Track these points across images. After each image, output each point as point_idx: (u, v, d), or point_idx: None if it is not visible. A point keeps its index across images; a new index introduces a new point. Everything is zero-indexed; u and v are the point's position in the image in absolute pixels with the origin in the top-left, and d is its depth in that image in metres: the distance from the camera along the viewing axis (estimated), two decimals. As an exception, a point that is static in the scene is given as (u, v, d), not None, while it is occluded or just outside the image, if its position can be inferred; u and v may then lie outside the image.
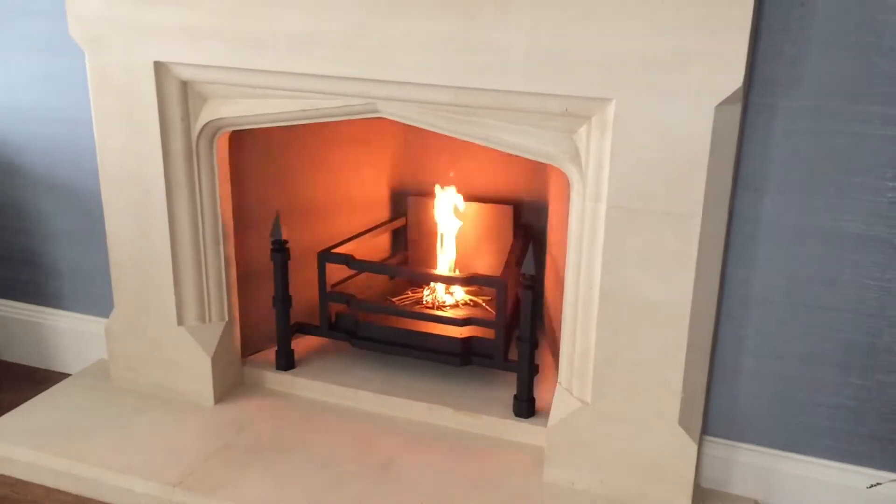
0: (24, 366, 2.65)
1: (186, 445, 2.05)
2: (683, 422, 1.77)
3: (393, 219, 2.71)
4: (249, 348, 2.40)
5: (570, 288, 1.82)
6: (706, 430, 1.88)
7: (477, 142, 1.85)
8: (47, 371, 2.62)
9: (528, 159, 1.81)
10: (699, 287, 1.67)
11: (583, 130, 1.70)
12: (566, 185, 1.82)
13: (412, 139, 2.66)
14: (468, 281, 2.18)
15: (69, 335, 2.57)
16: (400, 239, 2.78)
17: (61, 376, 2.50)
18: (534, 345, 2.05)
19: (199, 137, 2.05)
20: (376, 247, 2.72)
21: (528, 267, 1.99)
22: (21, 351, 2.65)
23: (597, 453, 1.85)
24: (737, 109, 1.58)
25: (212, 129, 2.05)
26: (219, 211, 2.15)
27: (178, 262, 2.14)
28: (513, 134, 1.78)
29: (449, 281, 2.37)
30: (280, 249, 2.24)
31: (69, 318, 2.56)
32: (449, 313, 2.42)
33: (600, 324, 1.77)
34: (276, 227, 2.21)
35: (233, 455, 2.01)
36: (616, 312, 1.74)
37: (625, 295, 1.72)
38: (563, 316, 1.87)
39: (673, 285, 1.67)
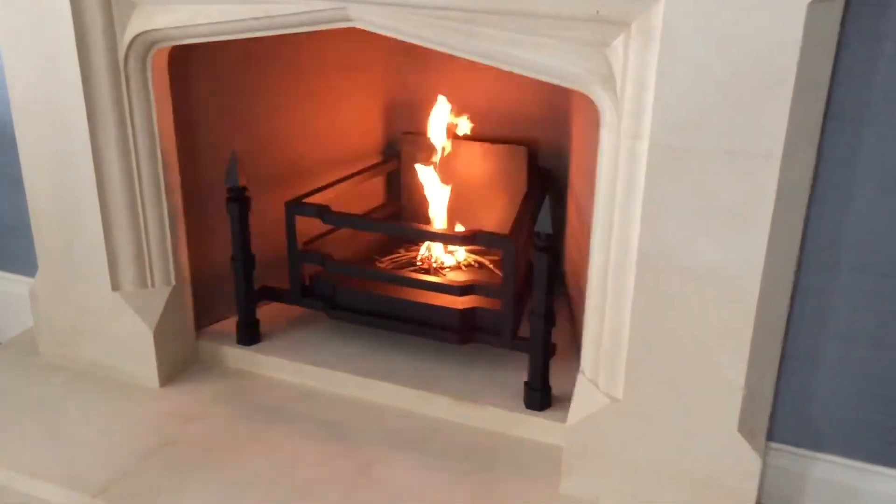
0: (-55, 334, 2.33)
1: (119, 441, 1.73)
2: (744, 425, 1.41)
3: (385, 161, 2.34)
4: (208, 317, 2.07)
5: (599, 251, 1.46)
6: (773, 435, 1.53)
7: (476, 59, 1.47)
8: (-29, 340, 2.30)
9: (547, 84, 1.43)
10: (773, 250, 1.30)
11: (618, 42, 1.31)
12: (596, 117, 1.44)
13: (410, 64, 2.28)
14: (467, 239, 1.81)
15: (-3, 299, 2.24)
16: (395, 186, 2.41)
17: (-14, 347, 2.18)
18: (550, 320, 1.70)
19: (127, 55, 1.68)
20: (368, 194, 2.36)
21: (544, 223, 1.62)
22: (-57, 316, 2.33)
23: (628, 462, 1.51)
24: (836, 9, 1.19)
25: (143, 43, 1.68)
26: (158, 151, 1.79)
27: (109, 214, 1.80)
28: (524, 48, 1.39)
29: (443, 239, 2.01)
30: (237, 198, 1.88)
31: (-4, 279, 2.24)
32: (447, 278, 2.07)
33: (637, 297, 1.40)
34: (233, 171, 1.85)
35: (175, 454, 1.69)
36: (658, 282, 1.38)
37: (670, 260, 1.36)
38: (589, 286, 1.51)
39: (736, 248, 1.31)
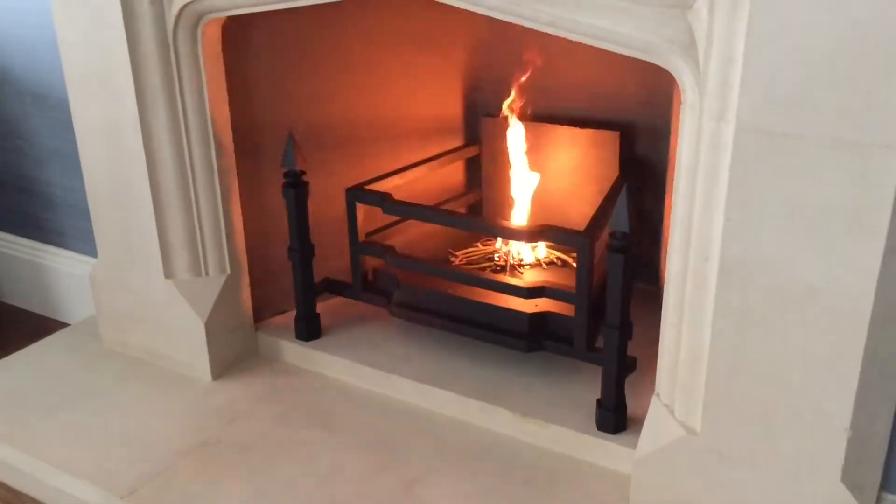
0: (26, 311, 2.35)
1: (159, 436, 1.65)
2: (849, 474, 1.17)
3: (464, 146, 2.16)
4: (269, 308, 1.97)
5: (677, 257, 1.24)
6: (886, 485, 1.26)
7: (544, 28, 1.27)
8: (48, 319, 2.30)
9: (646, 63, 1.22)
10: (889, 266, 1.05)
11: (702, 3, 1.09)
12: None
13: (494, 41, 2.09)
14: (535, 234, 1.61)
15: (71, 278, 2.23)
16: (475, 174, 2.23)
17: (60, 327, 2.17)
18: (625, 331, 1.48)
19: (176, 27, 1.58)
20: (445, 183, 2.20)
21: (620, 220, 1.40)
22: (23, 294, 2.34)
23: (706, 507, 1.28)
24: None
25: (192, 14, 1.58)
26: (210, 130, 1.69)
27: (160, 196, 1.72)
28: (593, 14, 1.19)
29: (508, 234, 1.80)
30: (294, 183, 1.76)
31: (70, 259, 2.22)
32: (518, 278, 1.87)
33: (719, 314, 1.18)
34: (289, 153, 1.73)
35: (212, 456, 1.59)
36: (745, 299, 1.15)
37: (760, 273, 1.12)
38: (665, 298, 1.29)
39: (844, 261, 1.06)
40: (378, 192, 1.77)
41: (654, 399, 1.36)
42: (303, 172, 1.76)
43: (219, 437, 1.64)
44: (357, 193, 1.79)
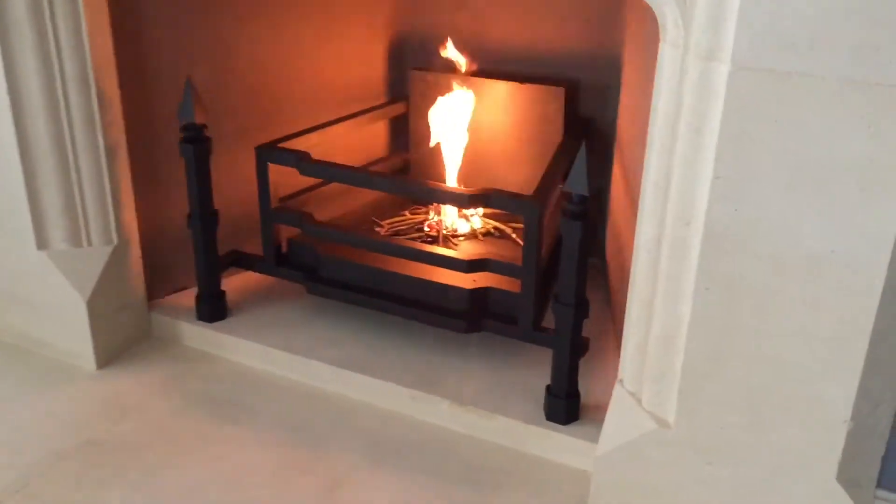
0: None
1: (32, 436, 1.42)
2: (846, 470, 1.04)
3: (390, 103, 1.97)
4: (166, 286, 1.74)
5: (648, 221, 1.08)
6: (882, 481, 1.14)
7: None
8: None
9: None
10: (908, 233, 0.91)
11: (692, -82, 0.92)
12: (652, 43, 1.06)
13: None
14: (478, 199, 1.43)
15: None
16: (401, 135, 2.04)
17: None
18: (582, 308, 1.33)
19: (45, -56, 1.33)
20: (368, 145, 2.00)
21: (578, 182, 1.24)
22: None
23: (679, 509, 1.14)
24: None
25: (64, -69, 1.33)
26: (90, 75, 1.45)
27: (30, 154, 1.47)
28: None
29: (449, 199, 1.62)
30: (193, 138, 1.53)
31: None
32: (457, 249, 1.70)
33: (701, 288, 1.03)
34: (187, 103, 1.50)
35: (97, 457, 1.37)
36: (734, 269, 1.00)
37: (754, 239, 0.98)
38: (633, 271, 1.13)
39: (855, 225, 0.92)
40: (293, 151, 1.56)
41: (617, 387, 1.21)
42: (204, 126, 1.54)
43: (104, 436, 1.41)
44: (269, 152, 1.58)
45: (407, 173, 2.02)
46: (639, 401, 1.16)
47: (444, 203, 1.74)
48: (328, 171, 1.55)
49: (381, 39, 1.97)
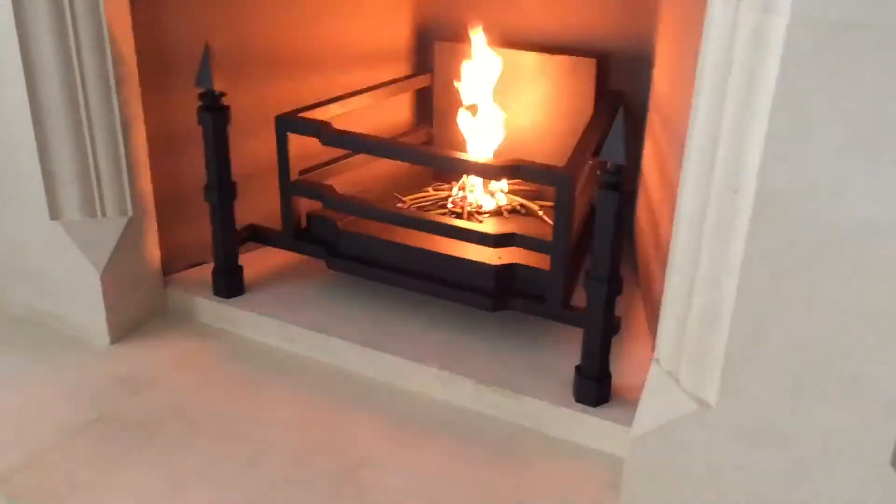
0: None
1: (42, 411, 1.38)
2: (898, 457, 0.97)
3: (414, 76, 1.91)
4: (182, 260, 1.70)
5: (692, 190, 1.02)
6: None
7: None
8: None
9: None
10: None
11: None
12: (690, 16, 1.00)
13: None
14: (507, 171, 1.37)
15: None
16: (426, 108, 1.98)
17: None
18: (615, 284, 1.27)
19: None
20: (391, 119, 1.95)
21: (614, 151, 1.18)
22: None
23: (721, 498, 1.08)
24: None
25: None
26: (105, 35, 1.40)
27: (42, 116, 1.43)
28: None
29: (476, 171, 1.55)
30: (211, 106, 1.48)
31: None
32: (483, 226, 1.64)
33: (749, 259, 0.97)
34: (205, 69, 1.45)
35: (111, 434, 1.33)
36: (784, 239, 0.94)
37: (807, 205, 0.91)
38: (674, 242, 1.07)
39: (921, 193, 0.86)
40: (314, 121, 1.51)
41: (653, 366, 1.15)
42: (222, 94, 1.49)
43: (117, 412, 1.37)
44: (289, 122, 1.53)
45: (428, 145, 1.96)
46: (677, 380, 1.10)
47: (471, 174, 1.68)
48: (351, 141, 1.49)
49: (404, 9, 1.91)
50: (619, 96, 1.76)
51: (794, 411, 1.00)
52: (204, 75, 1.45)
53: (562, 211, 1.34)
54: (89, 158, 1.46)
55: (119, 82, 1.44)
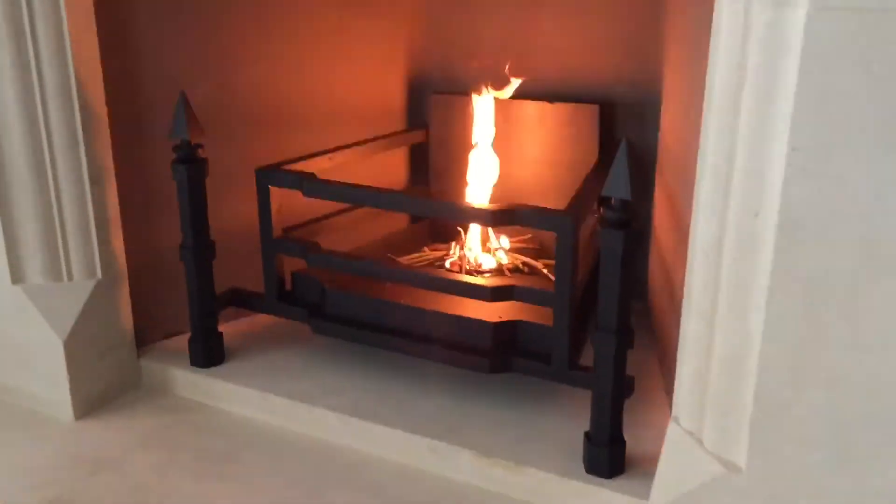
0: None
1: (-8, 493, 1.23)
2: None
3: (406, 131, 1.82)
4: (160, 329, 1.58)
5: (706, 219, 0.91)
6: None
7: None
8: None
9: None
10: None
11: None
12: (695, 57, 0.90)
13: (443, 4, 1.78)
14: (503, 216, 1.25)
15: None
16: (421, 164, 1.89)
17: None
18: (625, 337, 1.13)
19: (21, -59, 1.22)
20: (384, 175, 1.85)
21: (618, 185, 1.06)
22: None
23: (755, 578, 0.92)
24: None
25: (44, -75, 1.22)
26: (73, 86, 1.32)
27: (3, 172, 1.33)
28: None
29: (470, 216, 1.41)
30: (187, 159, 1.39)
31: None
32: (479, 279, 1.52)
33: (777, 291, 0.84)
34: (180, 119, 1.36)
35: (61, 519, 1.18)
36: (817, 265, 0.82)
37: (842, 224, 0.79)
38: (689, 280, 0.95)
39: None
40: (297, 172, 1.42)
41: (671, 426, 1.01)
42: (198, 146, 1.40)
43: (75, 493, 1.23)
44: (270, 174, 1.43)
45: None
46: (699, 441, 0.96)
47: (466, 220, 1.54)
48: (335, 191, 1.39)
49: (397, 64, 1.84)
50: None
51: (838, 470, 0.85)
52: (179, 125, 1.36)
53: (563, 259, 1.22)
54: (55, 218, 1.37)
55: (88, 135, 1.35)
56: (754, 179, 0.83)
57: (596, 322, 1.15)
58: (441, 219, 1.82)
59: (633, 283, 1.13)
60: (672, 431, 1.01)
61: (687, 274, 0.96)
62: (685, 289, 0.97)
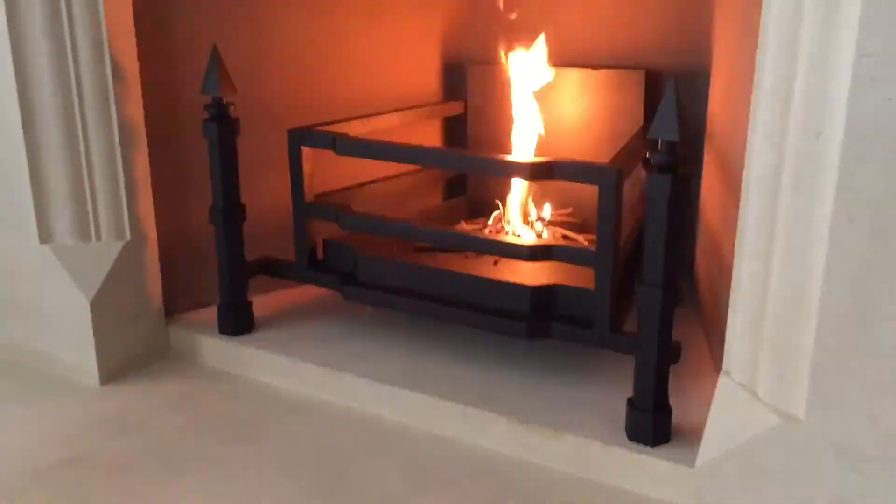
0: None
1: (10, 450, 1.20)
2: None
3: (443, 101, 1.78)
4: (191, 297, 1.54)
5: (762, 146, 0.84)
6: None
7: None
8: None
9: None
10: None
11: None
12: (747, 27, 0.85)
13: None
14: (541, 170, 1.19)
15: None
16: (458, 138, 1.84)
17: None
18: (671, 292, 1.06)
19: None
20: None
21: (666, 127, 1.00)
22: None
23: (815, 539, 0.85)
24: None
25: None
26: (105, 42, 1.30)
27: (34, 129, 1.31)
28: None
29: (506, 170, 1.32)
30: (218, 116, 1.36)
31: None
32: (516, 238, 1.45)
33: (842, 219, 0.77)
34: (212, 75, 1.33)
35: (83, 475, 1.14)
36: (887, 186, 0.74)
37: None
38: (742, 216, 0.88)
39: None
40: (330, 132, 1.37)
41: (722, 379, 0.94)
42: (231, 104, 1.37)
43: (94, 452, 1.19)
44: (303, 135, 1.39)
45: (464, 182, 1.80)
46: (753, 393, 0.89)
47: (504, 175, 1.46)
48: (369, 148, 1.34)
49: (435, 37, 1.80)
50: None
51: (912, 419, 0.78)
52: (211, 82, 1.33)
53: (607, 216, 1.15)
54: (84, 176, 1.34)
55: (119, 93, 1.33)
56: (817, 96, 0.77)
57: (640, 279, 1.08)
58: (478, 194, 1.77)
59: (682, 216, 1.06)
60: (723, 385, 0.94)
61: (741, 213, 0.89)
62: (737, 231, 0.90)
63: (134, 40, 1.35)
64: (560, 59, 1.63)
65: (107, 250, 1.38)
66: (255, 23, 1.51)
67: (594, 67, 1.61)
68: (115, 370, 1.41)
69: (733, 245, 0.93)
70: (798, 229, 0.81)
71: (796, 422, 0.84)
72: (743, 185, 0.88)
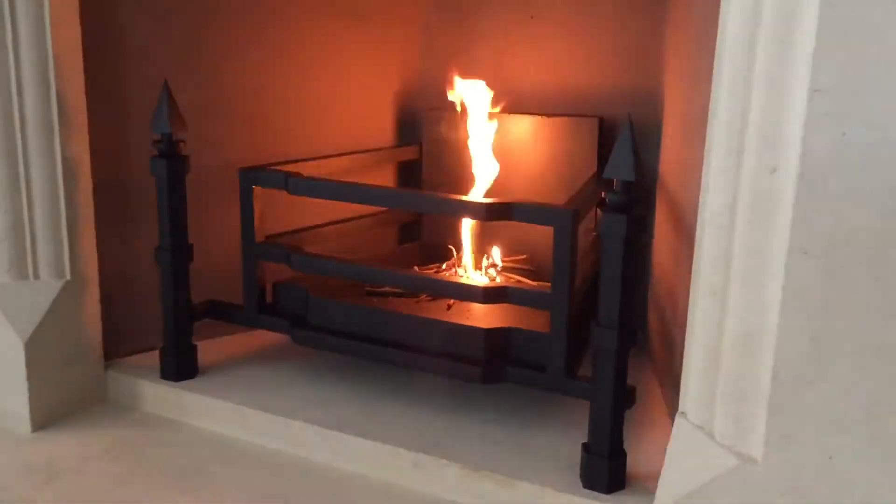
0: None
1: (-69, 501, 1.13)
2: None
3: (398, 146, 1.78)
4: (133, 342, 1.48)
5: (716, 183, 0.84)
6: None
7: None
8: None
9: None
10: None
11: None
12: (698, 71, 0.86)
13: (443, 17, 1.75)
14: (497, 211, 1.17)
15: None
16: (413, 182, 1.83)
17: None
18: (626, 336, 1.05)
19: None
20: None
21: (621, 166, 1.00)
22: None
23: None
24: None
25: None
26: (52, 80, 1.27)
27: (-29, 161, 1.26)
28: None
29: (462, 210, 1.30)
30: (168, 153, 1.33)
31: None
32: (470, 280, 1.43)
33: (797, 254, 0.77)
34: (162, 111, 1.30)
35: (5, 526, 1.07)
36: (841, 221, 0.74)
37: (869, 171, 0.73)
38: (697, 254, 0.88)
39: None
40: (281, 171, 1.35)
41: (678, 421, 0.93)
42: (181, 141, 1.34)
43: (27, 500, 1.12)
44: (255, 174, 1.36)
45: (418, 229, 1.79)
46: (710, 434, 0.87)
47: (458, 214, 1.43)
48: (323, 188, 1.31)
49: (391, 81, 1.80)
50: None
51: (868, 457, 0.77)
52: (160, 118, 1.30)
53: (561, 258, 1.14)
54: (24, 211, 1.29)
55: (63, 126, 1.29)
56: (772, 131, 0.77)
57: (597, 321, 1.07)
58: (432, 240, 1.75)
59: (637, 258, 1.05)
60: (679, 427, 0.92)
61: (696, 252, 0.88)
62: (693, 269, 0.89)
63: (82, 77, 1.31)
64: (514, 107, 1.64)
65: (45, 289, 1.32)
66: (207, 63, 1.49)
67: (548, 115, 1.62)
68: (48, 416, 1.34)
69: (687, 289, 0.92)
70: (753, 265, 0.80)
71: (754, 463, 0.82)
72: (698, 222, 0.88)
